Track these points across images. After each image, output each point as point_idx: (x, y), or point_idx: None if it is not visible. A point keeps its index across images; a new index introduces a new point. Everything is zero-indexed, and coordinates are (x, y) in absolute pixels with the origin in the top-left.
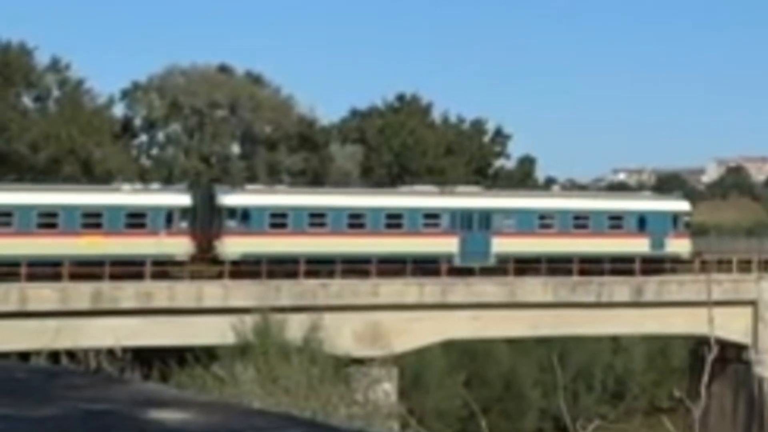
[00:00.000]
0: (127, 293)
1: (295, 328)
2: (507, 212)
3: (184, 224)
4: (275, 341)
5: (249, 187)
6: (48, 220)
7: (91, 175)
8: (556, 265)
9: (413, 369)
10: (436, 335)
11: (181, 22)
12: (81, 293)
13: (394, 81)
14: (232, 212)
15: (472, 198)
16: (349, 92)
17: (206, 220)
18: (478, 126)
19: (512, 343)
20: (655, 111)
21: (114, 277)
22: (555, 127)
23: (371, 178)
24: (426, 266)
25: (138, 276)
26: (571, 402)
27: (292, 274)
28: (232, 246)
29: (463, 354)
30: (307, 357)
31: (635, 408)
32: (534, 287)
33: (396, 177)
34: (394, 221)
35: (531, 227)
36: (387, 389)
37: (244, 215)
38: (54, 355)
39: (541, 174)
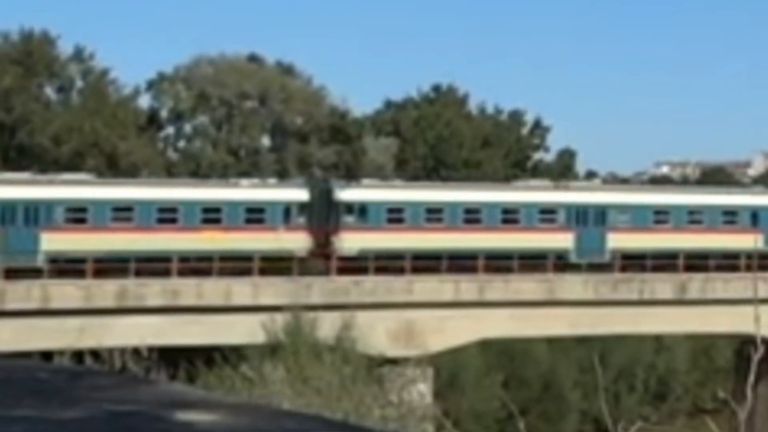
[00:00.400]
0: (153, 291)
1: (326, 326)
2: (622, 208)
3: (301, 219)
4: (306, 340)
5: (365, 181)
6: (168, 216)
7: (116, 168)
8: (669, 261)
9: (449, 369)
10: (473, 334)
11: (209, 10)
12: (105, 291)
13: (429, 71)
14: (349, 207)
15: (588, 193)
16: (382, 83)
17: (323, 215)
18: (516, 117)
19: (551, 342)
20: (699, 102)
21: (140, 273)
22: (595, 119)
23: (406, 171)
24: (538, 262)
25: (165, 272)
26: (613, 403)
27: (323, 272)
28: (350, 241)
29: (501, 354)
30: (339, 357)
31: (678, 409)
32: (574, 285)
33: (431, 170)
34: (510, 216)
35: (645, 223)
36: (422, 390)
37: (361, 210)
38: (78, 355)
39: (581, 167)
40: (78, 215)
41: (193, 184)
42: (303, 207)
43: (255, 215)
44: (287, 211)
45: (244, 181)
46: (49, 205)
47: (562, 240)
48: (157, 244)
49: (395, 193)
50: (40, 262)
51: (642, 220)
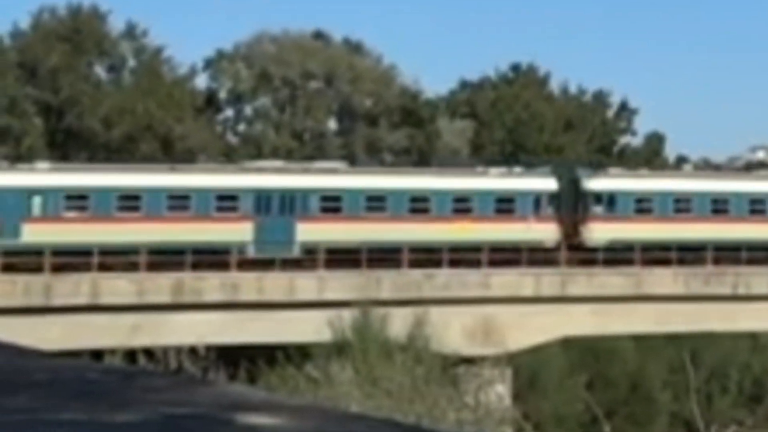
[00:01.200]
0: (212, 285)
1: (397, 323)
2: None
3: (550, 210)
4: (376, 338)
5: (612, 170)
6: (420, 205)
7: (171, 153)
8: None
9: (529, 369)
10: (555, 331)
11: None
12: (160, 285)
13: (507, 49)
14: (598, 197)
15: None
16: (457, 62)
17: (571, 205)
18: (600, 99)
19: (639, 340)
20: None
21: (197, 266)
22: (686, 101)
23: (482, 156)
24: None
25: (223, 265)
26: (705, 405)
27: (395, 264)
28: (599, 232)
29: (585, 352)
30: (411, 356)
31: None
32: (663, 278)
33: (509, 155)
34: (756, 207)
35: None
36: (500, 391)
37: (610, 200)
38: (130, 354)
39: (671, 152)
40: (332, 204)
41: (443, 173)
42: (552, 197)
43: (505, 205)
44: (537, 200)
45: (493, 170)
46: (305, 193)
47: None
48: (409, 235)
49: (643, 183)
50: (296, 253)
51: None
